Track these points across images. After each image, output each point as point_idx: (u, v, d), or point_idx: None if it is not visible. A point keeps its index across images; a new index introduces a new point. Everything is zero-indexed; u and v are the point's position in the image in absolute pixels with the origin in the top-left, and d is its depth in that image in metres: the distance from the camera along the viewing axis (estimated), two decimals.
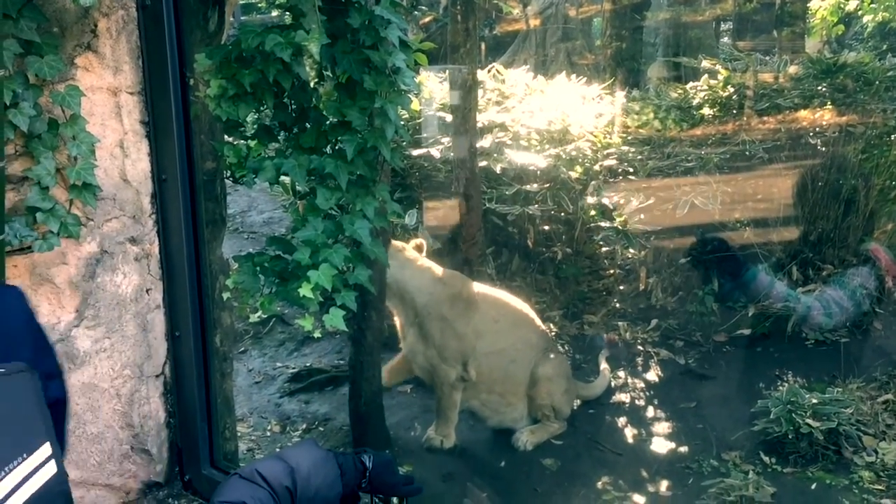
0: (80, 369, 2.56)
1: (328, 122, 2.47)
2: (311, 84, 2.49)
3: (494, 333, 3.80)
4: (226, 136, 2.60)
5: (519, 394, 3.86)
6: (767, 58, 5.95)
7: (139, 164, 2.56)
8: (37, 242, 2.34)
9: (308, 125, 2.49)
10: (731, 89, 5.36)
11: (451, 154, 4.64)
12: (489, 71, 5.58)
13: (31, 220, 2.33)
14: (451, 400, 3.75)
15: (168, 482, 2.81)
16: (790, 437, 3.51)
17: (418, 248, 3.71)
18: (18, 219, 2.31)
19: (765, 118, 5.20)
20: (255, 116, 2.63)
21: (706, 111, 5.29)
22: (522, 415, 3.89)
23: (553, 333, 4.47)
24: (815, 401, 3.58)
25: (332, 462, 1.62)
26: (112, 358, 2.61)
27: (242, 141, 2.52)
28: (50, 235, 2.35)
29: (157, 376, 2.74)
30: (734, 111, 5.27)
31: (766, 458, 3.53)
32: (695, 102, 5.37)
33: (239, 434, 3.48)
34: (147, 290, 2.66)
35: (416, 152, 4.77)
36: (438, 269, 3.76)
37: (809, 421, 3.50)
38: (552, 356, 3.89)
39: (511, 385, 3.83)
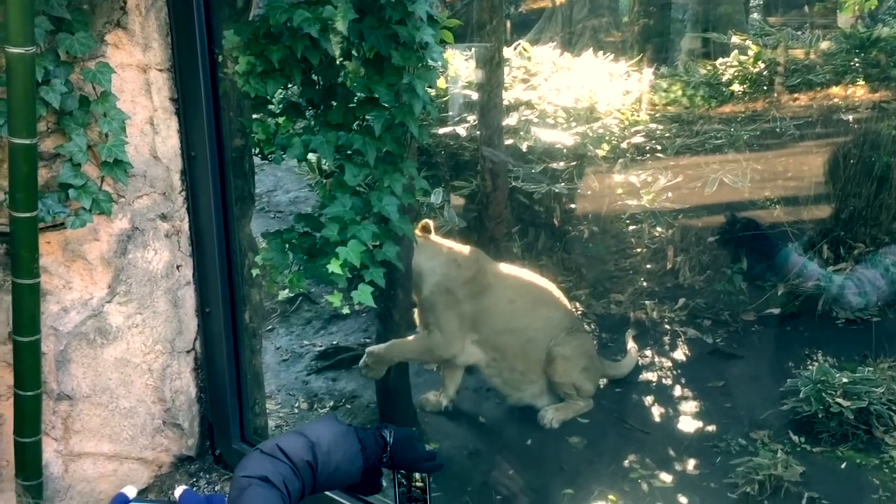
0: (113, 344, 2.60)
1: (356, 99, 2.47)
2: (339, 60, 2.49)
3: (510, 313, 3.80)
4: (254, 113, 2.61)
5: (538, 371, 3.87)
6: (799, 33, 5.83)
7: (169, 140, 2.58)
8: (69, 219, 2.37)
9: (336, 102, 2.49)
10: (762, 65, 5.27)
11: (477, 132, 4.62)
12: (515, 48, 5.54)
13: (63, 197, 2.36)
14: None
15: (199, 456, 2.86)
16: (820, 416, 3.48)
17: (425, 229, 3.68)
18: (51, 195, 2.34)
19: (796, 94, 5.11)
20: (283, 93, 2.63)
21: (736, 87, 5.21)
22: (543, 392, 3.90)
23: (579, 312, 4.46)
24: (845, 380, 3.53)
25: (353, 437, 1.62)
26: (144, 333, 2.65)
27: (271, 118, 2.53)
28: (82, 212, 2.38)
29: (187, 352, 2.78)
30: (765, 87, 5.19)
31: (795, 438, 3.50)
32: (724, 79, 5.28)
33: (267, 411, 3.51)
34: (177, 267, 2.69)
35: (441, 130, 4.75)
36: (455, 249, 3.75)
37: (840, 400, 3.46)
38: (572, 334, 3.89)
39: (531, 363, 3.84)
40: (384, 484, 1.79)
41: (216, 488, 2.74)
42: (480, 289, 3.75)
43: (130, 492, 1.49)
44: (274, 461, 1.52)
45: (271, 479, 1.48)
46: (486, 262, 3.88)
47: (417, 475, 1.75)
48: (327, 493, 1.85)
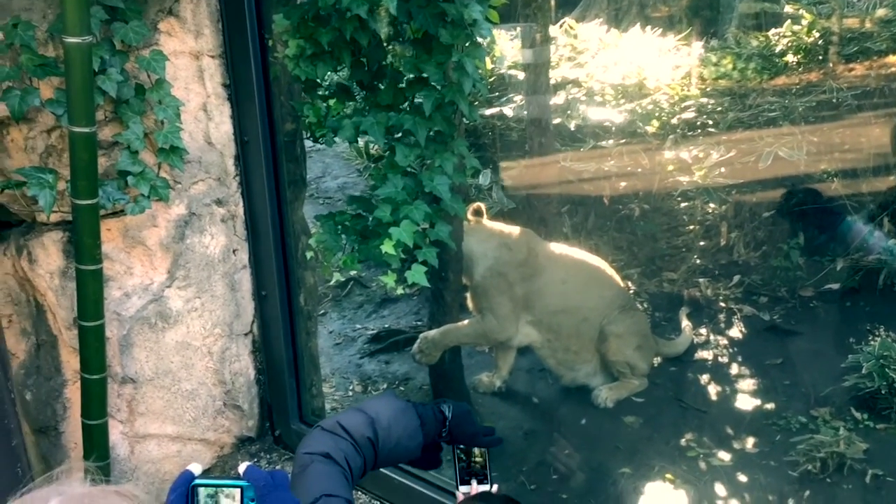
0: (174, 328, 2.65)
1: (405, 79, 2.47)
2: (385, 44, 2.49)
3: (563, 293, 3.79)
4: (305, 97, 2.63)
5: (592, 351, 3.85)
6: (854, 0, 5.66)
7: (222, 126, 2.61)
8: (129, 206, 2.42)
9: (385, 83, 2.50)
10: (816, 34, 5.13)
11: (525, 112, 4.59)
12: (561, 26, 5.48)
13: (122, 184, 2.41)
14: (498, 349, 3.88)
15: (259, 437, 2.90)
16: (883, 392, 3.39)
17: (477, 212, 3.66)
18: (110, 183, 2.39)
19: (852, 64, 4.96)
20: (333, 76, 2.64)
21: (789, 58, 5.08)
22: (597, 372, 3.88)
23: (632, 291, 4.41)
24: None
25: (412, 413, 1.62)
26: (203, 317, 2.69)
27: (321, 101, 2.55)
28: (141, 199, 2.42)
29: (245, 334, 2.82)
30: (820, 57, 5.04)
31: (857, 414, 3.42)
32: (777, 50, 5.15)
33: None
34: (234, 251, 2.73)
35: (489, 112, 4.73)
36: (505, 231, 3.73)
37: None
38: (625, 312, 3.85)
39: (585, 342, 3.82)
40: (443, 460, 1.79)
41: (276, 468, 2.79)
42: (533, 270, 3.73)
43: (196, 469, 1.51)
44: (335, 438, 1.53)
45: (333, 456, 1.50)
46: (537, 243, 3.86)
47: (477, 450, 1.75)
48: (386, 469, 1.86)
